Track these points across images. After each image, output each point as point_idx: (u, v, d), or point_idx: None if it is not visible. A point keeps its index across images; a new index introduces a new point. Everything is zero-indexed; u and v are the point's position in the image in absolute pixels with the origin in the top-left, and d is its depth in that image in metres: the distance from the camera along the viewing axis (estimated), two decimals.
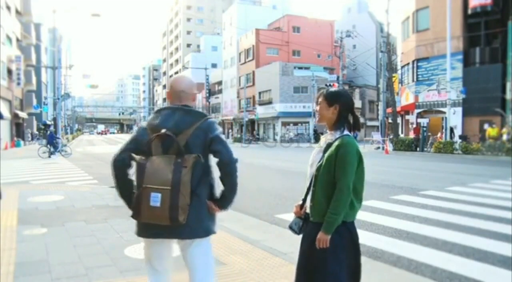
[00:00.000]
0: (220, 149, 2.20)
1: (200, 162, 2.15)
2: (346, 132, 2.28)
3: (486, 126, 22.28)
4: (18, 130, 37.67)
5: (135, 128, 2.39)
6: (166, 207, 2.03)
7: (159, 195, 2.04)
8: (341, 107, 2.30)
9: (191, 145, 2.15)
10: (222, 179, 2.27)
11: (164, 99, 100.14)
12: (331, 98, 2.32)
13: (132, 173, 2.23)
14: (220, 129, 2.29)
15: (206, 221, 2.25)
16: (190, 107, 2.27)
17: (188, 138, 2.15)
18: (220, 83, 62.82)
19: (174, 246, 2.38)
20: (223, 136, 2.28)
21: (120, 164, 2.21)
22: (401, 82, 31.86)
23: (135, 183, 2.16)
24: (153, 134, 2.16)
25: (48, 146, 20.85)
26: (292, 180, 11.13)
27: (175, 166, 2.07)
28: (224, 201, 2.32)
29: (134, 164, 2.20)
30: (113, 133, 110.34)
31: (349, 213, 2.23)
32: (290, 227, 2.43)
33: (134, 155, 2.17)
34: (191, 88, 2.34)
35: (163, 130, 2.13)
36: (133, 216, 2.17)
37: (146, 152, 2.16)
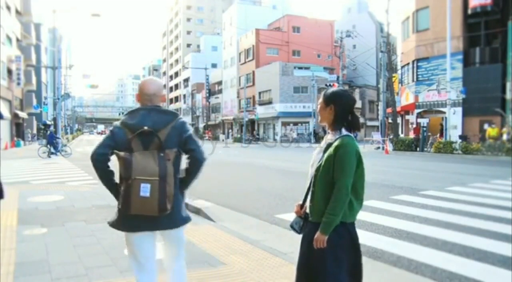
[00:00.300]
0: (195, 148, 2.38)
1: (179, 156, 2.37)
2: (345, 132, 2.27)
3: (486, 126, 22.28)
4: (18, 130, 37.67)
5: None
6: (155, 197, 2.16)
7: (149, 185, 2.16)
8: (337, 107, 2.29)
9: (168, 142, 2.32)
10: (188, 170, 2.43)
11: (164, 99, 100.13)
12: (327, 98, 2.33)
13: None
14: (191, 129, 2.50)
15: (182, 211, 2.41)
16: (163, 108, 2.45)
17: (166, 135, 2.33)
18: (220, 83, 62.83)
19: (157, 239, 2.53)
20: (195, 136, 2.49)
21: (101, 158, 2.33)
22: (401, 82, 31.87)
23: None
24: (131, 133, 2.32)
25: (48, 145, 20.86)
26: (292, 180, 11.12)
27: (159, 159, 2.23)
28: (183, 185, 2.46)
29: (112, 158, 2.39)
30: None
31: (348, 213, 2.22)
32: (291, 226, 2.45)
33: (116, 151, 2.29)
34: (160, 91, 2.51)
35: (146, 127, 2.30)
36: (122, 209, 2.25)
37: (127, 149, 2.29)
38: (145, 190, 2.16)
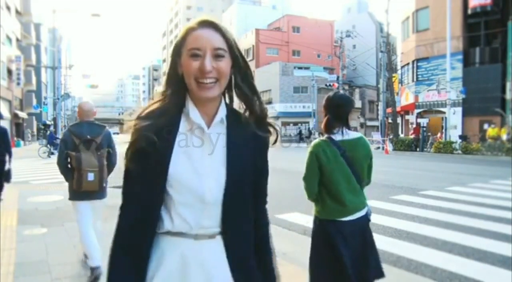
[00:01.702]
0: (113, 153, 3.82)
1: (108, 153, 3.75)
2: (325, 135, 2.46)
3: (486, 126, 22.27)
4: (18, 130, 37.65)
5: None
6: (97, 181, 3.58)
7: (93, 174, 3.55)
8: (324, 111, 2.51)
9: (102, 145, 3.69)
10: (108, 165, 3.73)
11: None
12: None
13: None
14: (113, 138, 3.88)
15: (107, 189, 3.82)
16: (96, 122, 3.82)
17: (100, 140, 3.67)
18: None
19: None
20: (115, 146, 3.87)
21: (64, 162, 3.62)
22: (401, 82, 31.86)
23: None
24: (78, 139, 3.59)
25: (48, 145, 20.85)
26: (292, 180, 11.09)
27: (97, 157, 3.59)
28: (108, 173, 3.80)
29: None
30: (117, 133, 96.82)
31: (321, 210, 2.38)
32: None
33: (69, 152, 3.56)
34: (92, 109, 3.83)
35: (88, 137, 3.62)
36: (76, 188, 3.56)
37: (75, 149, 3.56)
38: (90, 176, 3.54)
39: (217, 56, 1.09)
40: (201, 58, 1.08)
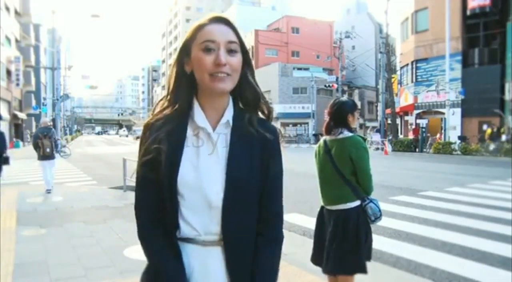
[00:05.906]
0: (57, 141, 9.99)
1: (54, 141, 8.76)
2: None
3: (485, 127, 22.30)
4: (17, 131, 37.59)
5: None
6: (50, 151, 8.50)
7: (48, 148, 8.44)
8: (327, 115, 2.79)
9: (50, 136, 8.58)
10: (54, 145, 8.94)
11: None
12: None
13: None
14: (55, 134, 9.21)
15: (54, 154, 8.80)
16: (49, 126, 9.22)
17: (50, 135, 8.59)
18: None
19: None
20: (57, 138, 9.70)
21: (36, 145, 8.51)
22: (400, 83, 31.87)
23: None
24: (42, 134, 8.47)
25: None
26: (292, 180, 11.11)
27: (49, 141, 8.49)
28: (55, 148, 9.05)
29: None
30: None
31: None
32: None
33: (38, 140, 8.48)
34: (47, 121, 9.43)
35: (45, 133, 8.53)
36: (42, 155, 8.44)
37: (39, 138, 8.45)
38: (47, 150, 8.41)
39: (230, 51, 1.10)
40: (214, 51, 1.08)
